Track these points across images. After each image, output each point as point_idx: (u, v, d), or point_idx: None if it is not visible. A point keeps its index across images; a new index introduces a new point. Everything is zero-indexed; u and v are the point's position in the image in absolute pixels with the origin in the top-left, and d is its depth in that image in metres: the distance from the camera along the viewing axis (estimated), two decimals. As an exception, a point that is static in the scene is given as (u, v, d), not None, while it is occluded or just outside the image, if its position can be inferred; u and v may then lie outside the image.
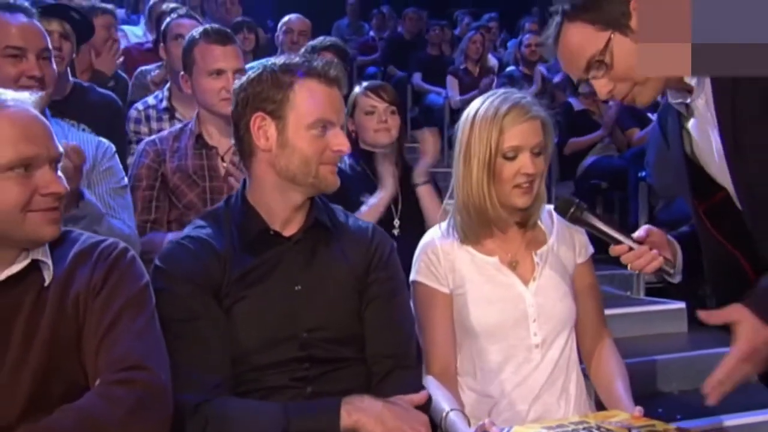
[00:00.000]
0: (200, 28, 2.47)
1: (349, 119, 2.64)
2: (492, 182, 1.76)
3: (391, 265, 1.72)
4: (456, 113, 6.25)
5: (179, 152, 2.42)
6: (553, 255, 1.86)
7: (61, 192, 1.38)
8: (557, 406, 1.80)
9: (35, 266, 1.40)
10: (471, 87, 6.38)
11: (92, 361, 1.40)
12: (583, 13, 1.53)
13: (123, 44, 4.91)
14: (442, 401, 1.70)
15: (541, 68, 6.39)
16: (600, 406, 1.85)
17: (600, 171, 5.10)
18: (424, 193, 2.61)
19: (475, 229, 1.82)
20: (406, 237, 2.35)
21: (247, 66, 2.48)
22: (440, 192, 2.61)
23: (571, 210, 1.68)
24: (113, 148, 2.16)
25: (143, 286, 1.47)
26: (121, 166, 2.20)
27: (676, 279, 1.71)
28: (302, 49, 3.37)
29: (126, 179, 2.22)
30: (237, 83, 1.67)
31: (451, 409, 1.67)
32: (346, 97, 2.05)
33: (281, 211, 1.65)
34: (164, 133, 2.54)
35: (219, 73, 2.36)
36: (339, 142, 1.61)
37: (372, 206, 2.48)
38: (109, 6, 3.78)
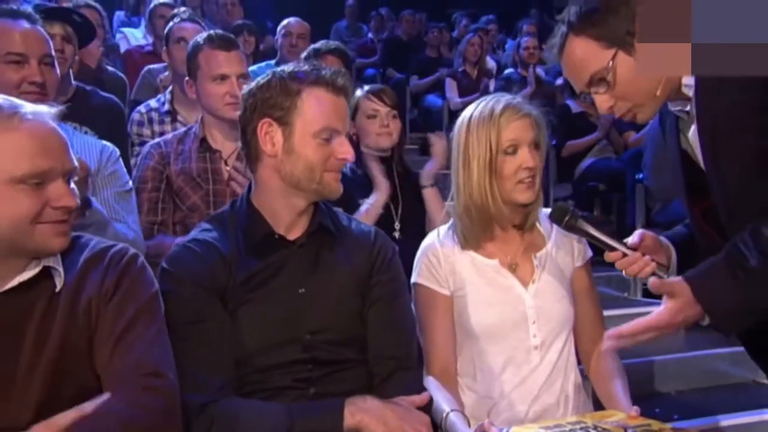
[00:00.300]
0: (204, 34, 2.49)
1: (351, 122, 2.66)
2: (494, 180, 1.79)
3: (393, 268, 1.75)
4: (455, 115, 6.25)
5: (183, 155, 2.44)
6: (552, 258, 1.89)
7: (72, 206, 1.39)
8: (556, 407, 1.82)
9: (47, 272, 1.41)
10: (469, 89, 6.39)
11: (105, 366, 1.41)
12: (590, 28, 1.51)
13: (123, 47, 4.95)
14: (443, 402, 1.72)
15: (539, 70, 6.40)
16: (598, 406, 1.87)
17: (598, 173, 5.11)
18: (430, 196, 2.63)
19: (477, 232, 1.84)
20: (406, 240, 2.37)
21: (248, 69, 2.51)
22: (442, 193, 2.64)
23: (566, 218, 1.72)
24: (117, 152, 2.18)
25: (155, 293, 1.49)
26: (125, 170, 2.21)
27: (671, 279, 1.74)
28: (304, 53, 3.38)
29: (130, 183, 2.23)
30: (246, 88, 1.69)
31: (451, 410, 1.70)
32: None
33: (286, 215, 1.67)
34: (168, 136, 2.56)
35: (223, 78, 2.38)
36: (344, 150, 1.63)
37: (369, 208, 2.50)
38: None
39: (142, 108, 3.08)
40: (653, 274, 1.63)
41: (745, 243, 1.44)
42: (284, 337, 1.62)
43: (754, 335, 1.64)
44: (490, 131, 1.79)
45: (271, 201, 1.67)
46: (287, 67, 1.66)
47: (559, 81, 5.91)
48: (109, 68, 3.71)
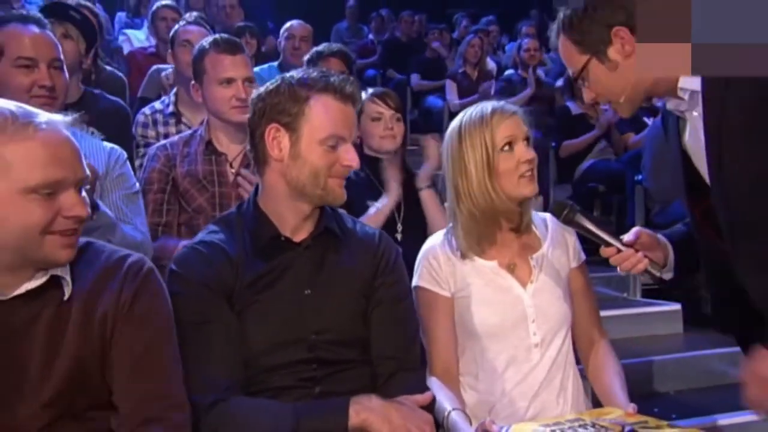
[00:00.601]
0: (210, 38, 2.51)
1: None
2: (493, 179, 1.83)
3: (397, 270, 1.78)
4: (454, 116, 6.24)
5: (189, 157, 2.46)
6: (548, 259, 1.93)
7: (83, 216, 1.37)
8: (555, 404, 1.86)
9: (55, 281, 1.40)
10: (470, 91, 6.38)
11: (122, 386, 1.42)
12: (570, 32, 1.62)
13: (126, 48, 4.97)
14: (445, 401, 1.75)
15: (539, 71, 6.41)
16: (597, 404, 1.89)
17: (597, 174, 5.13)
18: (427, 198, 2.65)
19: (480, 235, 1.88)
20: (408, 242, 2.39)
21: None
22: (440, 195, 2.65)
23: (565, 212, 1.76)
24: (125, 155, 2.20)
25: (171, 309, 1.50)
26: (132, 173, 2.23)
27: (667, 276, 1.77)
28: (307, 56, 3.41)
29: (137, 185, 2.25)
30: (255, 93, 1.71)
31: (453, 409, 1.73)
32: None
33: (292, 218, 1.70)
34: (174, 138, 2.57)
35: (229, 81, 2.40)
36: (349, 157, 1.65)
37: (377, 212, 2.51)
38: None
39: (146, 110, 3.10)
40: (646, 270, 1.67)
41: None
42: (290, 337, 1.64)
43: (748, 337, 1.67)
44: (484, 133, 1.83)
45: (277, 204, 1.70)
46: (296, 73, 1.68)
47: (559, 83, 5.92)
48: (107, 68, 3.71)
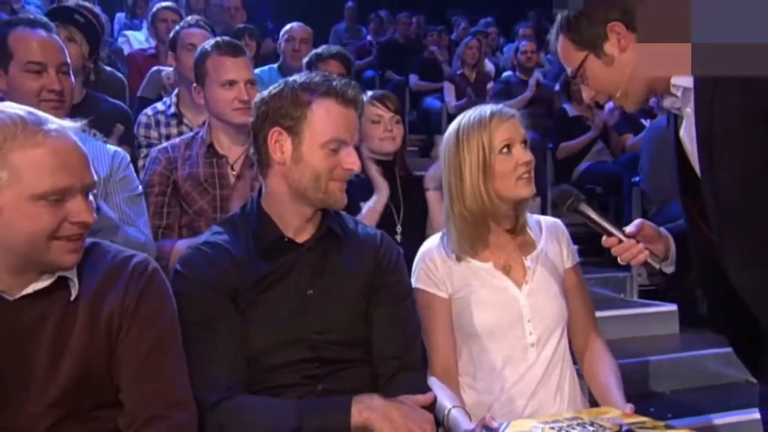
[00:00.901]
0: (212, 41, 2.52)
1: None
2: (488, 182, 1.85)
3: (398, 271, 1.80)
4: (453, 118, 6.24)
5: (191, 160, 2.47)
6: (543, 259, 1.96)
7: (90, 222, 1.38)
8: (552, 402, 1.88)
9: (62, 282, 1.42)
10: (467, 93, 6.40)
11: (128, 385, 1.44)
12: (568, 32, 1.66)
13: (126, 50, 4.98)
14: (445, 399, 1.77)
15: (537, 73, 6.42)
16: (594, 404, 1.91)
17: (595, 176, 5.17)
18: (433, 199, 2.66)
19: (473, 237, 1.90)
20: (407, 242, 2.40)
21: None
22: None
23: (570, 201, 1.78)
24: (128, 157, 2.22)
25: (175, 309, 1.53)
26: (135, 175, 2.25)
27: (669, 270, 1.80)
28: (306, 58, 3.43)
29: (140, 187, 2.27)
30: (259, 96, 1.73)
31: (453, 407, 1.75)
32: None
33: (294, 219, 1.72)
34: (176, 140, 2.58)
35: (231, 83, 2.41)
36: (351, 161, 1.67)
37: (369, 210, 2.53)
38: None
39: (149, 111, 3.11)
40: (646, 262, 1.70)
41: None
42: (293, 336, 1.67)
43: (740, 338, 1.69)
44: (482, 135, 1.86)
45: (280, 206, 1.72)
46: (299, 78, 1.70)
47: (557, 86, 5.95)
48: (107, 69, 3.73)
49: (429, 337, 1.90)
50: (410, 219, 2.66)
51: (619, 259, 1.73)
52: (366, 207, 2.55)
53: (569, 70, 1.71)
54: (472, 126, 1.88)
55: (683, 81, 1.57)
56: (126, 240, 1.98)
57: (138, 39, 5.30)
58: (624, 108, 1.72)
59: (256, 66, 4.41)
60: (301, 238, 1.73)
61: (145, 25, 5.50)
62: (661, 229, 1.80)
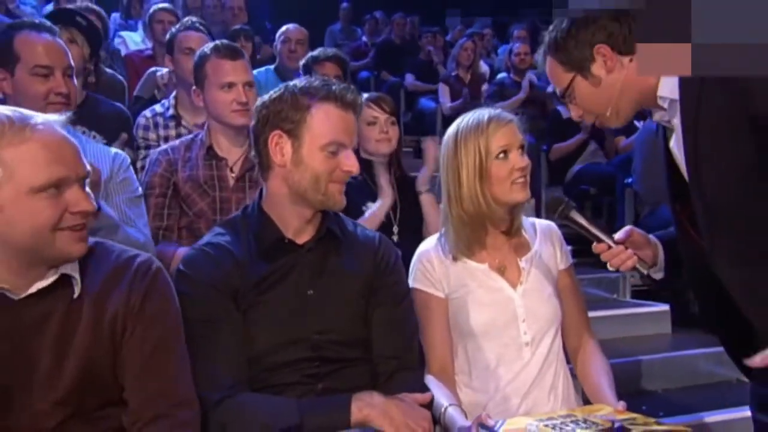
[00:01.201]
0: (211, 44, 2.54)
1: None
2: (484, 186, 1.89)
3: (397, 272, 1.83)
4: (448, 119, 6.30)
5: (191, 162, 2.48)
6: (537, 261, 1.99)
7: (90, 210, 1.40)
8: (546, 401, 1.92)
9: (65, 280, 1.43)
10: (462, 94, 6.40)
11: (132, 384, 1.46)
12: (555, 53, 1.70)
13: (123, 51, 4.98)
14: (441, 398, 1.80)
15: (531, 75, 6.45)
16: (587, 403, 1.93)
17: (588, 177, 5.19)
18: (426, 202, 2.69)
19: (469, 238, 1.93)
20: (404, 243, 2.43)
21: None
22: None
23: (561, 208, 1.83)
24: (128, 159, 2.25)
25: (179, 310, 1.55)
26: (135, 177, 2.28)
27: (658, 276, 1.83)
28: (303, 60, 3.46)
29: (140, 189, 2.29)
30: (259, 101, 1.76)
31: (450, 405, 1.78)
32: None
33: (294, 221, 1.75)
34: (176, 142, 2.60)
35: (230, 86, 2.43)
36: (350, 163, 1.71)
37: (372, 214, 2.56)
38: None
39: (147, 113, 3.13)
40: (635, 268, 1.74)
41: None
42: (293, 336, 1.69)
43: (731, 338, 1.73)
44: (479, 139, 1.89)
45: (281, 208, 1.75)
46: (299, 82, 1.74)
47: (550, 88, 5.98)
48: (108, 71, 3.75)
49: (426, 336, 1.93)
50: (407, 219, 2.69)
51: (608, 265, 1.77)
52: (369, 212, 2.57)
53: (558, 90, 1.74)
54: (470, 130, 1.91)
55: (669, 93, 1.60)
56: (126, 239, 2.00)
57: (134, 40, 5.29)
58: (609, 126, 1.76)
59: (254, 67, 4.44)
60: (301, 240, 1.76)
61: (140, 25, 5.49)
62: (650, 235, 1.83)
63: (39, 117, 1.39)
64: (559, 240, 2.05)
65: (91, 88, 2.96)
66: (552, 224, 2.09)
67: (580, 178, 5.23)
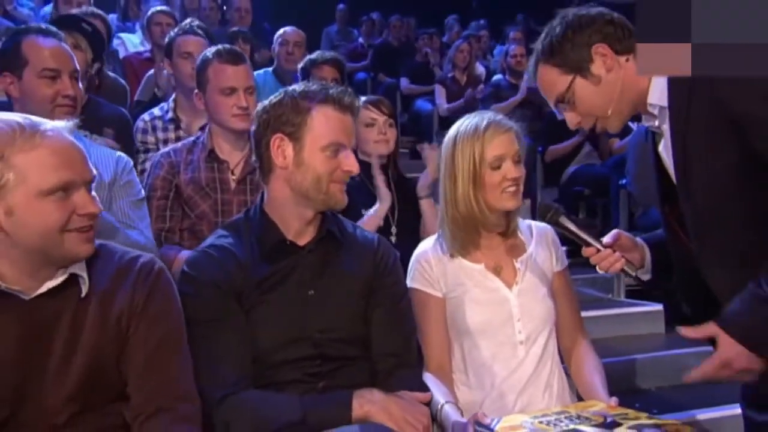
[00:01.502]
0: (213, 49, 2.57)
1: None
2: (478, 191, 1.93)
3: (395, 273, 1.88)
4: (444, 120, 6.32)
5: (192, 165, 2.51)
6: (532, 262, 2.04)
7: (96, 212, 1.46)
8: (541, 398, 1.95)
9: (73, 279, 1.48)
10: (458, 96, 6.41)
11: (136, 381, 1.51)
12: (551, 58, 1.71)
13: (121, 52, 5.00)
14: (438, 395, 1.84)
15: (527, 76, 6.43)
16: (580, 399, 1.98)
17: (583, 178, 5.21)
18: (426, 207, 2.71)
19: (464, 239, 1.98)
20: (402, 244, 2.46)
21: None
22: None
23: (550, 214, 1.88)
24: (131, 162, 2.28)
25: (181, 308, 1.59)
26: (137, 180, 2.31)
27: (645, 277, 1.88)
28: (301, 63, 3.49)
29: (143, 192, 2.33)
30: (260, 105, 1.80)
31: (446, 402, 1.82)
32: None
33: (296, 222, 1.79)
34: (178, 145, 2.63)
35: (231, 91, 2.46)
36: (349, 163, 1.76)
37: (371, 217, 2.58)
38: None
39: (146, 116, 3.15)
40: (623, 270, 1.78)
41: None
42: (295, 335, 1.73)
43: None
44: (474, 146, 1.92)
45: (282, 210, 1.79)
46: (298, 87, 1.79)
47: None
48: (110, 74, 3.78)
49: (424, 335, 1.97)
50: (405, 220, 2.72)
51: (597, 268, 1.81)
52: (367, 215, 2.60)
53: (552, 99, 1.74)
54: (468, 135, 1.94)
55: (658, 101, 1.64)
56: (127, 241, 2.03)
57: (133, 42, 5.29)
58: (607, 130, 1.76)
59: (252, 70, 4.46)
60: (302, 241, 1.80)
61: (138, 27, 5.51)
62: (637, 238, 1.88)
63: (48, 124, 1.45)
64: (555, 242, 2.10)
65: (94, 91, 2.99)
66: (548, 227, 2.11)
67: (575, 179, 5.26)
